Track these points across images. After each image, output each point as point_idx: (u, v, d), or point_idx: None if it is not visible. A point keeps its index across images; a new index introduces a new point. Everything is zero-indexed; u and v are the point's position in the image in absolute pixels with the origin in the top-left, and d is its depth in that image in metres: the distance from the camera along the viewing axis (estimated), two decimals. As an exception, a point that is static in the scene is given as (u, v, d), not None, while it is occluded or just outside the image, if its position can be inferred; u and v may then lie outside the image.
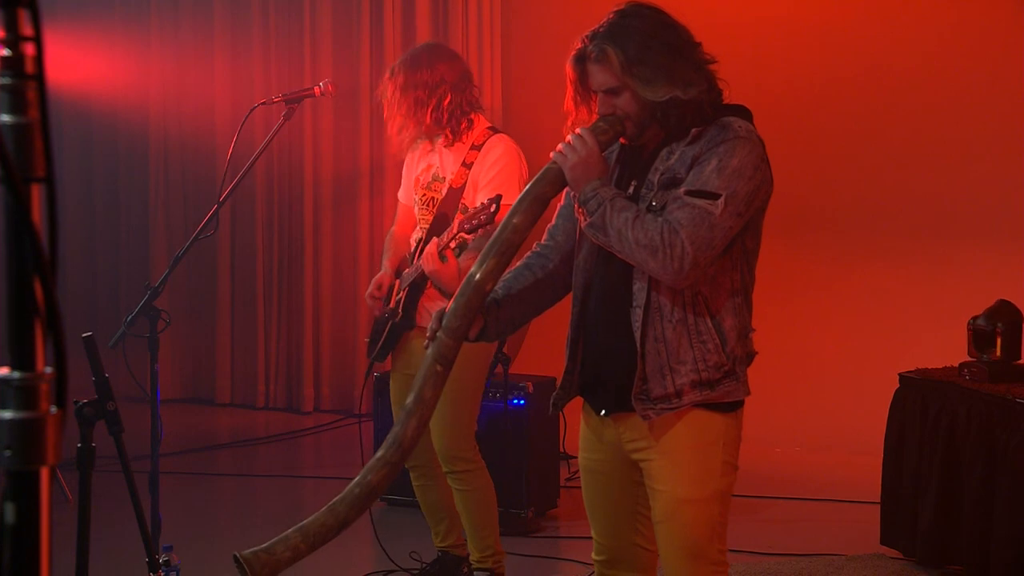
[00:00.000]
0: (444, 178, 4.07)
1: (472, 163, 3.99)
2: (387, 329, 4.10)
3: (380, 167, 7.35)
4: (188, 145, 7.64)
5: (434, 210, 4.05)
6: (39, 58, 0.99)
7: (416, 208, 4.14)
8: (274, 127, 4.20)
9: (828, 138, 6.70)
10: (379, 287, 4.11)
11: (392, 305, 4.09)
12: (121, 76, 7.66)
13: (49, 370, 1.04)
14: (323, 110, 7.37)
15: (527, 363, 5.60)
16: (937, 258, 6.49)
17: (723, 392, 2.62)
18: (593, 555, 2.90)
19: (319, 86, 4.16)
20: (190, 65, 7.60)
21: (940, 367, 4.59)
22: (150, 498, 3.78)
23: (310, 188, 7.47)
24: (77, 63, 7.66)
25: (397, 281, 4.12)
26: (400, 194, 4.31)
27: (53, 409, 1.04)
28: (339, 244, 7.49)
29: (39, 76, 0.99)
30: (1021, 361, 4.42)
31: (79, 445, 2.43)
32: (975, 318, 4.46)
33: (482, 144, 4.02)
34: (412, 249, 4.11)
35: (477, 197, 3.92)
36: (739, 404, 2.68)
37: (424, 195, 4.10)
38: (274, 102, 4.17)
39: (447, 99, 3.97)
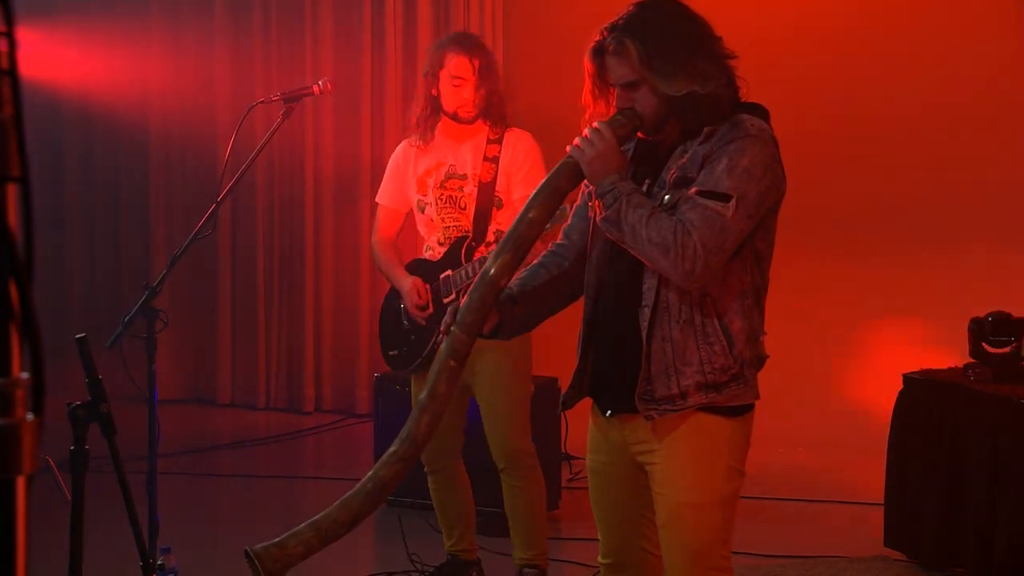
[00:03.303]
0: (465, 175, 4.00)
1: (495, 156, 3.96)
2: (434, 340, 3.94)
3: (381, 165, 7.30)
4: (189, 144, 7.62)
5: (462, 208, 3.98)
6: (12, 53, 0.96)
7: (429, 209, 4.05)
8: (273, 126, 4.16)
9: (833, 139, 6.67)
10: (419, 295, 3.99)
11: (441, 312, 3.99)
12: (122, 75, 7.64)
13: (26, 375, 1.01)
14: (324, 109, 7.34)
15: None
16: (941, 259, 6.46)
17: (730, 395, 2.57)
18: (599, 558, 2.87)
19: (318, 84, 4.11)
20: (191, 64, 7.58)
21: (944, 368, 4.56)
22: (148, 500, 3.75)
23: (311, 187, 7.45)
24: (78, 62, 7.64)
25: (428, 286, 4.01)
26: (384, 198, 4.20)
27: (30, 416, 1.00)
28: (340, 243, 7.47)
29: (12, 72, 0.96)
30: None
31: (72, 447, 2.40)
32: (974, 320, 4.44)
33: (500, 137, 3.99)
34: (445, 251, 4.01)
35: (513, 189, 3.95)
36: (747, 408, 2.64)
37: (440, 194, 4.02)
38: (273, 101, 4.13)
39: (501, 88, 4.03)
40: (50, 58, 7.66)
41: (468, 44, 3.99)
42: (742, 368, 2.58)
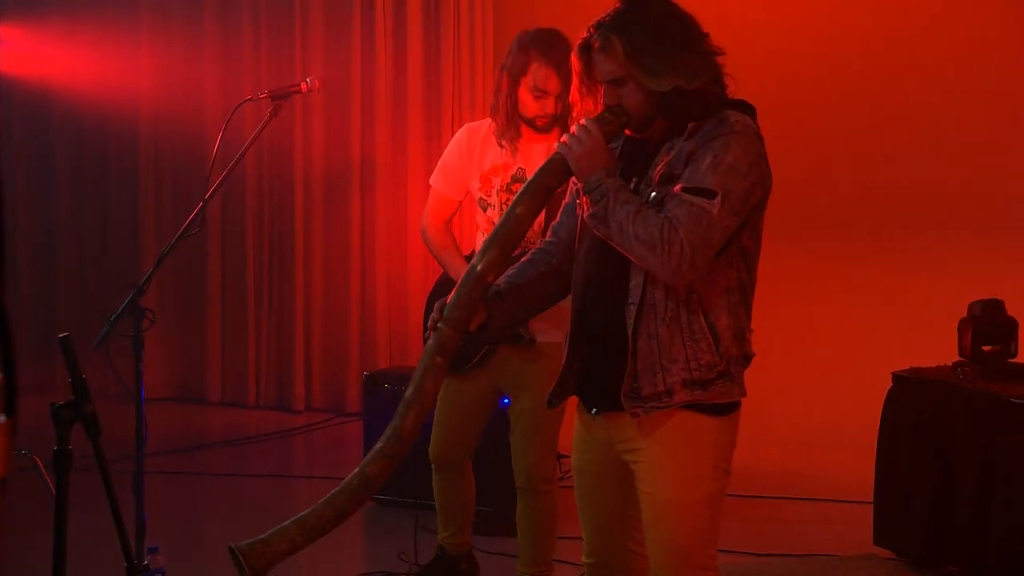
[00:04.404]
0: None
1: None
2: (488, 346, 3.83)
3: (371, 164, 7.32)
4: (178, 143, 7.61)
5: None
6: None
7: (491, 211, 3.86)
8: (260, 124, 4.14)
9: (822, 136, 6.67)
10: None
11: None
12: (111, 73, 7.62)
13: (-2, 377, 0.99)
14: (313, 107, 7.33)
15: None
16: (932, 256, 6.47)
17: (716, 393, 2.57)
18: (583, 557, 2.86)
19: (305, 82, 4.08)
20: (180, 63, 7.56)
21: (934, 366, 4.56)
22: (135, 499, 3.74)
23: (300, 185, 7.43)
24: (66, 60, 7.62)
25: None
26: (441, 184, 3.96)
27: (2, 418, 0.99)
28: (330, 241, 7.46)
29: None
30: (1015, 359, 4.39)
31: (56, 448, 2.39)
32: (964, 319, 4.44)
33: None
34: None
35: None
36: (733, 407, 2.63)
37: (506, 198, 3.82)
38: (260, 98, 4.10)
39: None
40: (40, 56, 7.64)
41: (556, 55, 3.67)
42: (728, 365, 2.58)
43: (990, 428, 4.09)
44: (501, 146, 3.84)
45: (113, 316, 3.79)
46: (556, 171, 2.60)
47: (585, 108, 2.67)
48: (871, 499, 4.60)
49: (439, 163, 4.03)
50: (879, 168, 6.60)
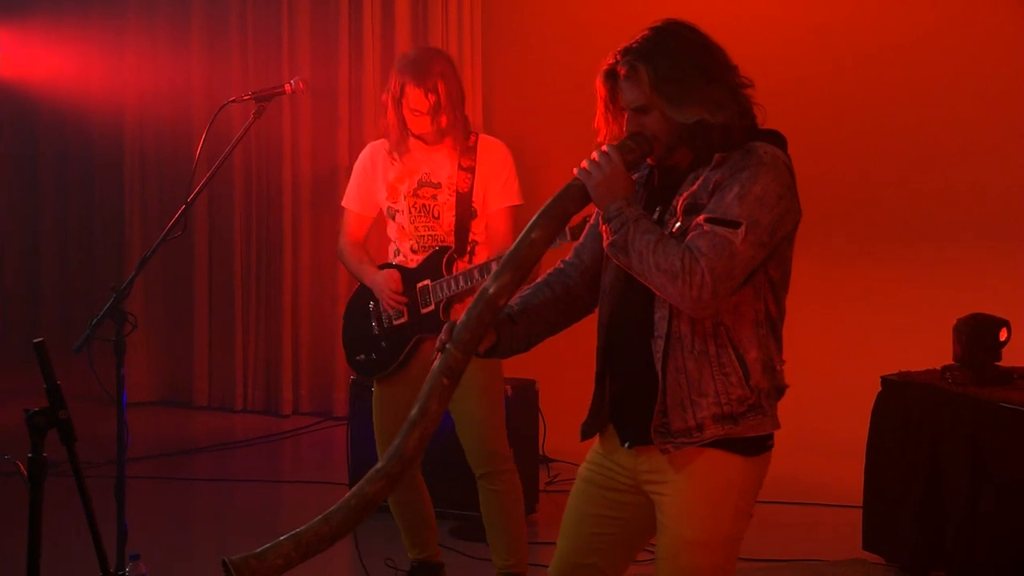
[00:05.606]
0: (439, 183, 3.96)
1: (471, 166, 3.93)
2: (412, 343, 3.99)
3: (359, 167, 7.29)
4: (164, 145, 7.58)
5: (436, 217, 3.95)
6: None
7: (400, 216, 4.01)
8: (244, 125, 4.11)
9: (814, 140, 6.64)
10: (395, 283, 3.98)
11: (411, 319, 3.97)
12: (97, 74, 7.60)
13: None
14: (301, 108, 7.31)
15: (506, 365, 5.52)
16: (921, 260, 6.45)
17: (747, 426, 2.53)
18: (549, 568, 2.79)
19: (290, 83, 4.07)
20: (167, 64, 7.54)
21: (923, 370, 4.54)
22: (116, 506, 3.70)
23: (288, 187, 7.41)
24: (53, 62, 7.59)
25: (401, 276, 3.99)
26: (352, 203, 4.16)
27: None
28: (318, 244, 7.43)
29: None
30: (1003, 363, 4.37)
31: (30, 455, 2.36)
32: (959, 321, 4.42)
33: (474, 145, 3.97)
34: (422, 259, 3.97)
35: (490, 201, 3.95)
36: (765, 445, 2.59)
37: (413, 203, 3.98)
38: (244, 100, 4.08)
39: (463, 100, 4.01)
40: (25, 58, 7.60)
41: (423, 74, 3.87)
42: (759, 398, 2.54)
43: (978, 432, 4.08)
44: (393, 160, 4.00)
45: (94, 320, 3.76)
46: (574, 197, 2.54)
47: (611, 134, 2.63)
48: (860, 503, 4.59)
49: (349, 184, 4.18)
50: (868, 173, 6.59)
